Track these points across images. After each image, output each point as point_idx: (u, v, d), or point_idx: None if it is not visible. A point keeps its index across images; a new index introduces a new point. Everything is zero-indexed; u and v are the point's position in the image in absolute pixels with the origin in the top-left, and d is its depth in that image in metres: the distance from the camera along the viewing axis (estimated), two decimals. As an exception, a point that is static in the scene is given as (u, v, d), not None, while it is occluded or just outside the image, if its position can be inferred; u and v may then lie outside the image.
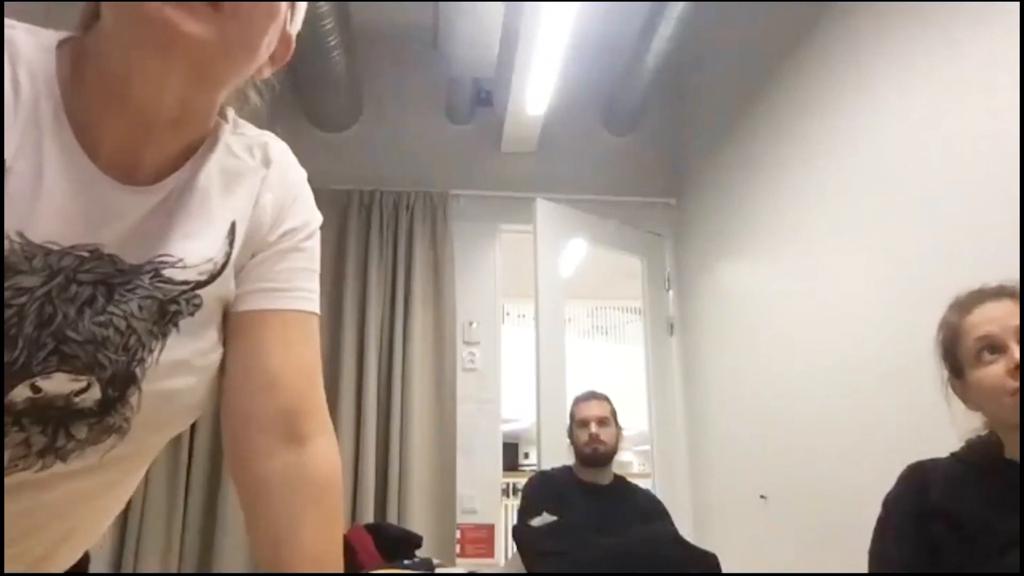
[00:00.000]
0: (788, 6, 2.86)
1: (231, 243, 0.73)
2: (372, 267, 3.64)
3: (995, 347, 1.25)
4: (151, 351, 0.68)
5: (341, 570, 0.69)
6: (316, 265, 0.81)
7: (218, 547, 3.22)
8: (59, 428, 0.66)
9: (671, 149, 4.11)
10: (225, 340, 0.74)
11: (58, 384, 0.65)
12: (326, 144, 3.89)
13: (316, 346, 0.78)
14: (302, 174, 0.82)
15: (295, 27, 0.71)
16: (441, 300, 3.67)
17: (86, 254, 0.65)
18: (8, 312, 0.61)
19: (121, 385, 0.67)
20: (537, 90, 3.47)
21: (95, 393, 0.66)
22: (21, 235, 0.61)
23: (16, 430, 0.64)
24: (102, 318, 0.66)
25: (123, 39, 0.62)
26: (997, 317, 1.26)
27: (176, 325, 0.69)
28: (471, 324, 3.80)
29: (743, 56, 3.34)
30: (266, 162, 0.78)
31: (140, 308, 0.67)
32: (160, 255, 0.69)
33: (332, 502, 0.71)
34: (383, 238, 3.73)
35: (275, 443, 0.70)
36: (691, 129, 3.96)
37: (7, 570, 0.70)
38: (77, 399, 0.66)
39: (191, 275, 0.70)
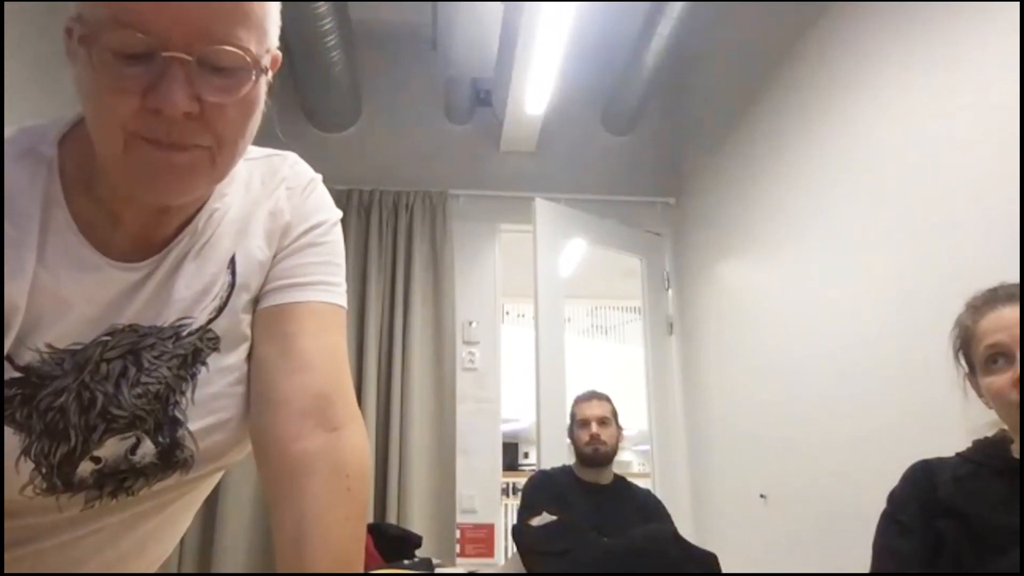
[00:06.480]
0: (788, 6, 2.86)
1: (232, 272, 0.74)
2: (371, 267, 3.64)
3: (1004, 355, 1.25)
4: (183, 392, 0.71)
5: (362, 564, 0.69)
6: (338, 259, 0.81)
7: (218, 547, 3.21)
8: (128, 480, 0.71)
9: (670, 149, 4.10)
10: (253, 333, 0.75)
11: (111, 448, 0.69)
12: (325, 144, 3.88)
13: (343, 336, 0.78)
14: (314, 177, 0.85)
15: (274, 40, 0.67)
16: (441, 300, 3.67)
17: (108, 337, 0.68)
18: (51, 414, 0.65)
19: (168, 431, 0.70)
20: (536, 90, 3.46)
21: (149, 447, 0.70)
22: (50, 346, 0.66)
23: (91, 491, 0.69)
24: (139, 390, 0.69)
25: (115, 174, 0.64)
26: (1008, 324, 1.25)
27: (204, 364, 0.72)
28: (471, 324, 3.80)
29: (742, 56, 3.34)
30: (277, 184, 0.79)
31: (169, 370, 0.71)
32: (178, 319, 0.71)
33: (361, 492, 0.71)
34: (382, 238, 3.73)
35: (308, 426, 0.70)
36: (690, 129, 3.95)
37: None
38: (135, 457, 0.70)
39: (201, 319, 0.72)
